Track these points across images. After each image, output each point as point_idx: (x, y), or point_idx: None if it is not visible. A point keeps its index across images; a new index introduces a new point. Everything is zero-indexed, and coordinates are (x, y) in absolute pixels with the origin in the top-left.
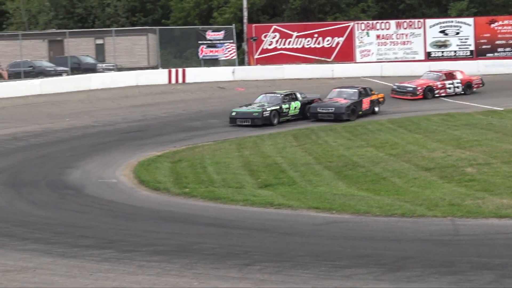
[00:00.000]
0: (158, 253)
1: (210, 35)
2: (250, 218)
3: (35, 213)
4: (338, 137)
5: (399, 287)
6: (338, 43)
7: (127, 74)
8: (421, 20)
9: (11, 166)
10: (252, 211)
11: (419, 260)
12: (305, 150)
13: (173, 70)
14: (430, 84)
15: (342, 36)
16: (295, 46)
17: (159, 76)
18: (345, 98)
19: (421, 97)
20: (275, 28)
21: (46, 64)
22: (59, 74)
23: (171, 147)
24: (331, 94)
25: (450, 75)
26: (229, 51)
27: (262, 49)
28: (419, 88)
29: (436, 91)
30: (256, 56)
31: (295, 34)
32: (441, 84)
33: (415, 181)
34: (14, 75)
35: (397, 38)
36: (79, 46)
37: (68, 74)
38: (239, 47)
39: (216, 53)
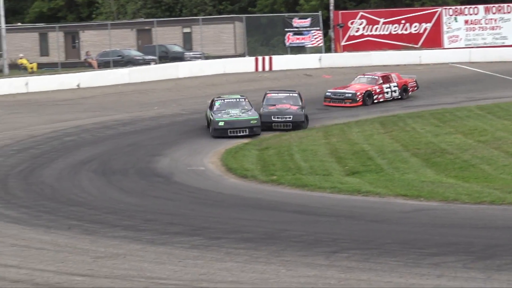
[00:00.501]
0: (246, 240)
1: (296, 22)
2: (337, 205)
3: (125, 201)
4: (426, 124)
5: (488, 275)
6: (425, 29)
7: (214, 62)
8: (511, 4)
9: (101, 154)
10: (339, 199)
11: (509, 248)
12: (392, 137)
13: (260, 58)
14: (369, 88)
15: (430, 22)
16: (382, 33)
17: (246, 64)
18: (292, 104)
19: (360, 103)
20: (361, 15)
21: (134, 53)
22: (147, 63)
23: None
24: (271, 101)
25: (386, 79)
26: (315, 38)
27: (349, 36)
28: (358, 93)
29: (375, 96)
30: (342, 43)
31: (382, 20)
32: (379, 88)
33: (505, 168)
34: (104, 65)
35: (486, 23)
36: (167, 35)
37: (156, 63)
38: (325, 34)
39: (302, 41)
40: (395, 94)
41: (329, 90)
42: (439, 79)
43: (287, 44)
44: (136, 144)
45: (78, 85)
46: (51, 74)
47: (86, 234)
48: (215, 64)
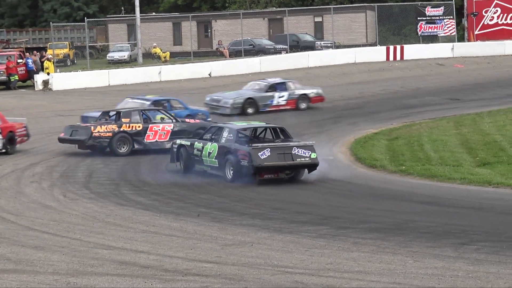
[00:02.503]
0: (373, 231)
1: (429, 11)
2: (467, 196)
3: (254, 190)
4: None
5: None
6: None
7: (345, 51)
8: None
9: None
10: (469, 190)
11: None
12: None
13: (391, 47)
14: None
15: None
16: None
17: (377, 53)
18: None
19: None
20: (496, 3)
21: (265, 42)
22: (278, 52)
23: (388, 124)
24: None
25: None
26: (448, 27)
27: (483, 24)
28: None
29: None
30: (476, 32)
31: None
32: None
33: None
34: (235, 53)
35: None
36: (298, 24)
37: (287, 52)
38: (458, 23)
39: (435, 30)
40: None
41: None
42: None
43: (420, 33)
44: None
45: (209, 74)
46: (184, 63)
47: (215, 221)
48: (346, 53)
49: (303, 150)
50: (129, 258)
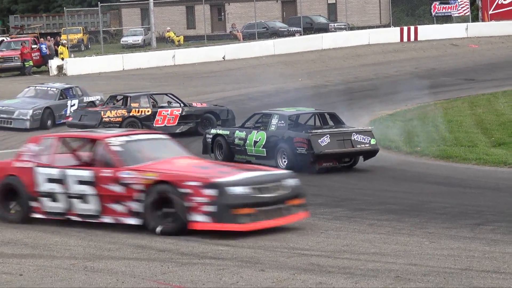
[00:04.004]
0: (389, 212)
1: None
2: (482, 177)
3: None
4: None
5: None
6: None
7: (358, 33)
8: None
9: None
10: (484, 170)
11: None
12: None
13: (405, 28)
14: None
15: None
16: None
17: (391, 34)
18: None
19: None
20: None
21: (279, 24)
22: (292, 34)
23: (402, 105)
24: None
25: None
26: (462, 7)
27: (497, 4)
28: None
29: None
30: (490, 12)
31: None
32: None
33: None
34: (249, 36)
35: None
36: (312, 6)
37: (300, 34)
38: (472, 3)
39: (449, 10)
40: None
41: None
42: None
43: (433, 13)
44: None
45: (223, 57)
46: (197, 46)
47: None
48: (359, 35)
49: (362, 136)
50: (145, 242)
